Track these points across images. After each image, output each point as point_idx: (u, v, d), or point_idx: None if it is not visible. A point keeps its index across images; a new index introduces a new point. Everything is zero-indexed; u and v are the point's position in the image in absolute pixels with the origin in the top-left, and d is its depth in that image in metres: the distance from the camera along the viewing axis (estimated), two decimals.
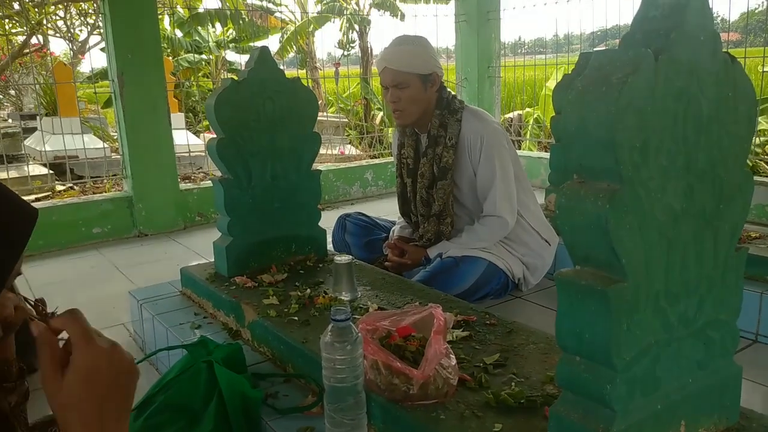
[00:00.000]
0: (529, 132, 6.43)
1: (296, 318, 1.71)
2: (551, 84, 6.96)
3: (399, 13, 8.32)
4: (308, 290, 1.91)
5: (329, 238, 2.60)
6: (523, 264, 2.36)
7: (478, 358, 1.42)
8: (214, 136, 2.04)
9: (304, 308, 1.78)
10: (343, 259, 1.88)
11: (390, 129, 8.49)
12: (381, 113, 8.98)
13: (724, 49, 0.95)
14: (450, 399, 1.25)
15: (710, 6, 0.92)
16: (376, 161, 5.10)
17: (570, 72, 2.39)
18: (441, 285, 2.11)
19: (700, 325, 1.00)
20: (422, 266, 2.31)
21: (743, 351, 1.93)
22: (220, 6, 9.36)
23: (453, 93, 2.39)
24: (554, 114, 2.73)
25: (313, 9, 10.72)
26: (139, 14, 3.60)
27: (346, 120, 8.63)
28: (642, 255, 0.89)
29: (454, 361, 1.28)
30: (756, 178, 3.81)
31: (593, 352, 0.91)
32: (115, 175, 4.72)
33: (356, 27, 10.47)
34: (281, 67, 2.13)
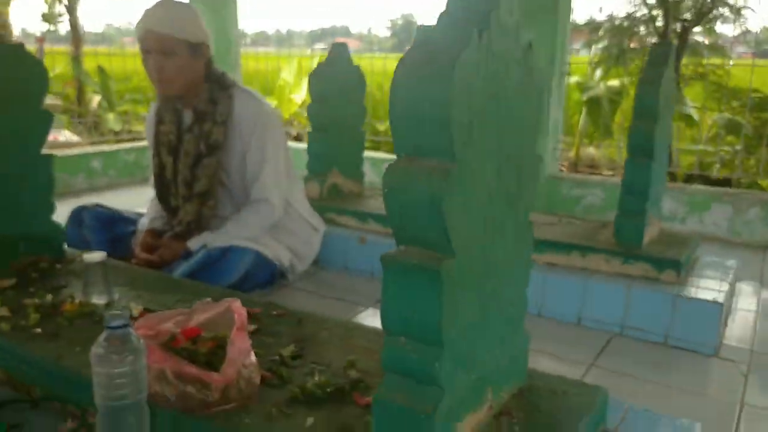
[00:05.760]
0: None
1: (40, 330, 1.41)
2: (286, 75, 7.03)
3: None
4: (49, 296, 1.59)
5: None
6: (291, 251, 2.31)
7: (273, 351, 1.32)
8: None
9: (48, 318, 1.48)
10: (94, 256, 1.61)
11: (111, 114, 7.67)
12: (98, 97, 8.05)
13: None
14: (254, 400, 1.14)
15: None
16: (106, 148, 4.54)
17: (313, 63, 2.35)
18: (207, 278, 1.95)
19: (504, 300, 1.06)
20: (183, 260, 2.10)
21: None
22: None
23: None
24: (310, 102, 2.71)
25: None
26: None
27: (57, 103, 7.56)
28: (466, 234, 0.90)
29: (254, 359, 1.17)
30: None
31: (422, 331, 0.90)
32: None
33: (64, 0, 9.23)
34: None
